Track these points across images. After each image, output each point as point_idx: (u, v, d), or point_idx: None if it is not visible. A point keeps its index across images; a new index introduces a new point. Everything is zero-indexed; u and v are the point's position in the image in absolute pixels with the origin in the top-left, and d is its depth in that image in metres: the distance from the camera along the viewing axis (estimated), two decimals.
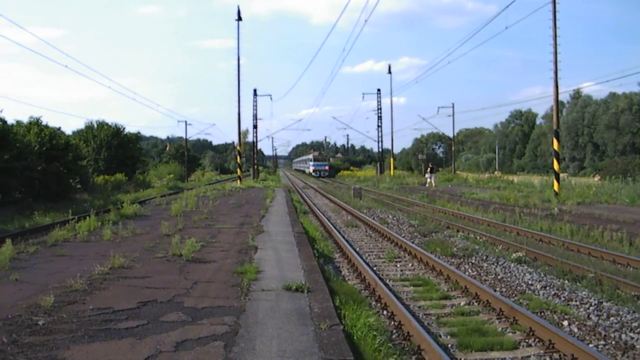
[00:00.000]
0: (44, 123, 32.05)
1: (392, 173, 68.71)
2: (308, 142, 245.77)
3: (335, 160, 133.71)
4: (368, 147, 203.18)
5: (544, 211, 23.57)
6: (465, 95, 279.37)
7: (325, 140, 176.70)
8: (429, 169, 53.30)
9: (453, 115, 68.71)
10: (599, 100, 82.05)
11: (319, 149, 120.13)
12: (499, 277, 12.27)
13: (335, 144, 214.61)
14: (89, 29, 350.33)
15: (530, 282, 11.63)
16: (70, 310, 7.75)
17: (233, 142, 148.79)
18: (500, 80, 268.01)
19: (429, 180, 50.96)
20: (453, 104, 68.58)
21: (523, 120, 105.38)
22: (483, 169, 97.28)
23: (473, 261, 14.12)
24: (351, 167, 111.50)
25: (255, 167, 69.13)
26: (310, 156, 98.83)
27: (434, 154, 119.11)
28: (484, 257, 14.50)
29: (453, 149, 76.08)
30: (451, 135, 73.71)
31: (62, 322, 7.17)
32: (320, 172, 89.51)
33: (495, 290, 10.81)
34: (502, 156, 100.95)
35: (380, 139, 70.21)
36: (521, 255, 14.16)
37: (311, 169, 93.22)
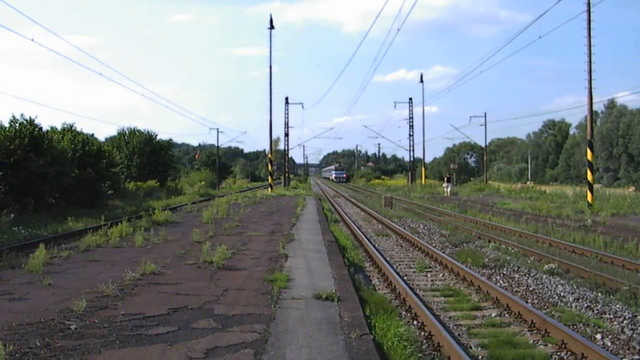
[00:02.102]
0: (77, 129, 32.58)
1: (423, 182, 68.37)
2: (339, 150, 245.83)
3: (366, 169, 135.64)
4: (399, 156, 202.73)
5: (577, 222, 23.24)
6: (498, 104, 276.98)
7: (357, 148, 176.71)
8: (445, 179, 54.12)
9: (485, 124, 68.22)
10: (634, 110, 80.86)
11: (339, 161, 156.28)
12: (530, 288, 12.12)
13: (366, 153, 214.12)
14: (122, 37, 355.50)
15: (562, 294, 11.46)
16: (102, 315, 7.84)
17: (264, 150, 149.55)
18: (533, 89, 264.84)
19: (445, 189, 52.10)
20: (485, 114, 68.12)
21: (556, 130, 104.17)
22: (515, 179, 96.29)
23: (504, 272, 13.97)
24: (382, 176, 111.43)
25: (286, 175, 69.35)
26: (333, 167, 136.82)
27: (466, 163, 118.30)
28: (516, 268, 14.34)
29: (485, 158, 75.49)
30: (483, 145, 73.16)
31: (94, 327, 7.25)
32: (340, 179, 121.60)
33: (526, 302, 10.68)
34: (534, 166, 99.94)
35: (411, 147, 69.98)
36: (553, 266, 13.97)
37: (333, 176, 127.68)
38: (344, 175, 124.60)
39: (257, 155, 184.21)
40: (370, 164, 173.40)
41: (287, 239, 16.75)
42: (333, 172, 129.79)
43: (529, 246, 17.62)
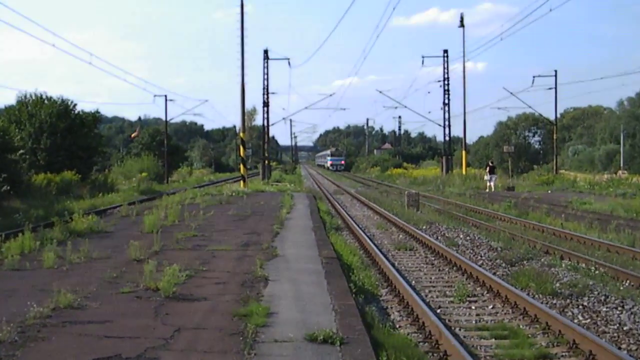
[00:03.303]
0: None
1: (463, 172, 68.25)
2: (342, 126, 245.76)
3: (382, 154, 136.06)
4: (429, 134, 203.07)
5: None
6: (575, 58, 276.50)
7: (367, 124, 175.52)
8: (487, 169, 53.96)
9: (555, 88, 68.19)
10: None
11: (337, 144, 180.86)
12: (625, 327, 12.13)
13: (381, 130, 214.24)
14: None
15: None
16: None
17: (234, 127, 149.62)
18: (628, 36, 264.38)
19: (488, 183, 52.72)
20: (556, 72, 68.04)
21: None
22: (600, 166, 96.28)
23: (585, 303, 13.99)
24: (404, 164, 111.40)
25: (266, 162, 69.30)
26: (329, 152, 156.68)
27: (527, 144, 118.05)
28: (602, 298, 14.36)
29: (555, 137, 75.50)
30: (552, 118, 73.21)
31: None
32: (337, 166, 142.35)
33: (619, 349, 10.69)
34: (629, 148, 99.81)
35: (447, 122, 69.99)
36: None
37: (329, 163, 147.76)
38: (342, 162, 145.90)
39: (224, 134, 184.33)
40: (387, 145, 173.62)
41: (268, 255, 16.79)
42: (329, 158, 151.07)
43: (622, 266, 17.63)
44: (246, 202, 34.86)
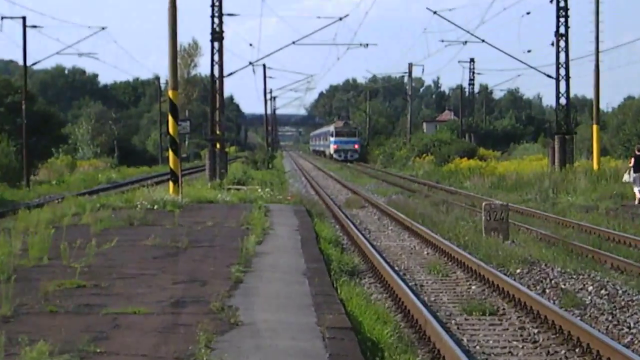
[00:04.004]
0: None
1: (595, 166, 68.05)
2: (361, 79, 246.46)
3: (438, 131, 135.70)
4: (528, 94, 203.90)
5: None
6: None
7: (411, 74, 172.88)
8: (632, 160, 53.18)
9: None
10: None
11: (346, 117, 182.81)
12: None
13: (436, 86, 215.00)
14: None
15: None
16: None
17: (156, 80, 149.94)
18: None
19: (635, 188, 52.69)
20: None
21: None
22: None
23: None
24: (481, 150, 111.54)
25: (219, 146, 69.28)
26: (332, 128, 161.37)
27: None
28: None
29: None
30: None
31: None
32: (346, 154, 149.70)
33: None
34: None
35: (563, 71, 69.74)
36: None
37: (332, 148, 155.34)
38: (356, 147, 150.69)
39: (137, 94, 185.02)
40: (447, 114, 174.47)
41: (220, 324, 16.31)
42: (332, 139, 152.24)
43: None
44: (180, 222, 34.77)
